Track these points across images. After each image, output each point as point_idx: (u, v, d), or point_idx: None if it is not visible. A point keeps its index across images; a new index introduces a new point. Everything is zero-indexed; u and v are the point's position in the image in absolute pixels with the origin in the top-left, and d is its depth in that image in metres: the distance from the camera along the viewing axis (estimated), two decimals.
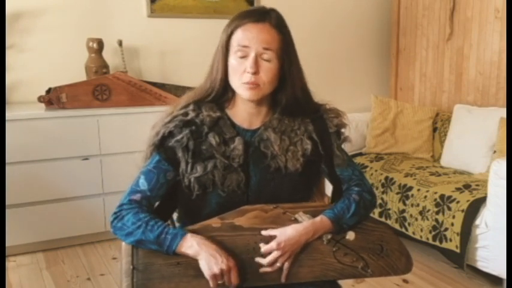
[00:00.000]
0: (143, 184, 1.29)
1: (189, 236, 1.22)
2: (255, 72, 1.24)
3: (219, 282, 1.20)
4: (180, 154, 1.28)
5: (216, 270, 1.19)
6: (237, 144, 1.29)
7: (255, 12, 1.29)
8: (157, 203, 1.37)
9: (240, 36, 1.26)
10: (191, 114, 1.30)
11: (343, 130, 1.40)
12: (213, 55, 1.33)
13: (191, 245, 1.21)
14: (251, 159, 1.31)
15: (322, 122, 1.36)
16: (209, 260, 1.19)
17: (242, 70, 1.26)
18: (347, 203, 1.34)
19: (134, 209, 1.27)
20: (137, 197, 1.29)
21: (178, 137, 1.28)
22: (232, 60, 1.27)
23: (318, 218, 1.30)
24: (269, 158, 1.31)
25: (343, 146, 1.40)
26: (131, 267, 1.22)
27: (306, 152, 1.33)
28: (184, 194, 1.31)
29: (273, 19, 1.28)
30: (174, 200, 1.40)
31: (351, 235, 1.33)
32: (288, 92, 1.31)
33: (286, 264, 1.27)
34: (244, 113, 1.34)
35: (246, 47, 1.25)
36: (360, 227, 1.35)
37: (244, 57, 1.26)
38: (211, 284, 1.20)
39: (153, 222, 1.24)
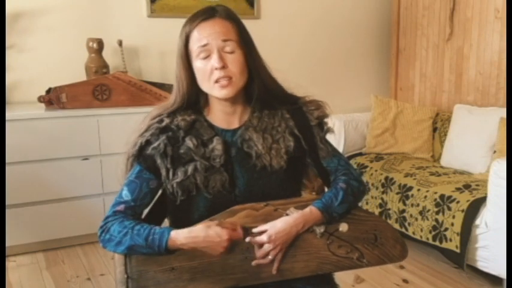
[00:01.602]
0: (126, 195, 1.29)
1: (173, 233, 1.21)
2: (223, 67, 1.23)
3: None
4: (159, 161, 1.27)
5: (222, 249, 1.20)
6: (216, 144, 1.28)
7: (202, 12, 1.29)
8: (146, 213, 1.36)
9: (197, 38, 1.25)
10: (166, 121, 1.29)
11: (325, 120, 1.38)
12: (175, 69, 1.31)
13: (181, 243, 1.20)
14: (235, 160, 1.30)
15: (303, 116, 1.35)
16: (210, 248, 1.20)
17: (209, 70, 1.24)
18: (334, 191, 1.33)
19: (119, 219, 1.26)
20: (121, 207, 1.28)
21: (155, 144, 1.27)
22: (198, 64, 1.26)
23: (307, 209, 1.29)
24: (254, 158, 1.30)
25: (327, 136, 1.39)
26: (125, 276, 1.22)
27: (289, 149, 1.32)
28: (171, 200, 1.30)
29: (222, 12, 1.28)
30: (162, 208, 1.39)
31: (343, 227, 1.32)
32: (256, 81, 1.30)
33: (279, 256, 1.26)
34: (220, 113, 1.33)
35: (206, 45, 1.24)
36: (352, 218, 1.34)
37: (207, 57, 1.24)
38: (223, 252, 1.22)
39: (138, 227, 1.23)
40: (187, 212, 1.30)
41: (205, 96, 1.32)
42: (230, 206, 1.27)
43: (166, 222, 1.43)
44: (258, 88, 1.31)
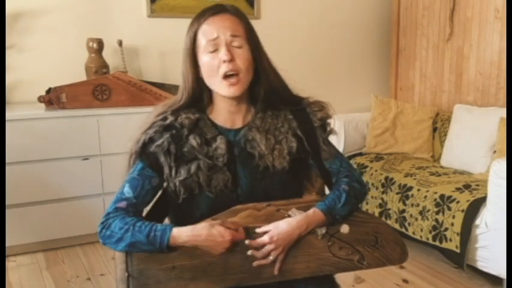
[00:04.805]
0: (128, 192, 1.28)
1: (175, 230, 1.21)
2: (231, 60, 1.24)
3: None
4: (162, 159, 1.27)
5: (223, 249, 1.21)
6: (219, 143, 1.29)
7: (211, 7, 1.30)
8: (146, 212, 1.35)
9: (207, 31, 1.26)
10: (170, 119, 1.29)
11: (328, 121, 1.38)
12: (181, 67, 1.31)
13: (183, 241, 1.20)
14: (238, 160, 1.30)
15: (306, 117, 1.35)
16: (211, 247, 1.20)
17: (217, 64, 1.25)
18: (337, 193, 1.33)
19: (120, 215, 1.25)
20: (123, 204, 1.27)
21: (159, 142, 1.27)
22: (205, 59, 1.26)
23: (311, 211, 1.29)
24: (257, 158, 1.30)
25: (329, 138, 1.39)
26: (126, 274, 1.21)
27: (291, 150, 1.32)
28: (173, 199, 1.30)
29: (231, 8, 1.29)
30: (163, 206, 1.39)
31: (345, 228, 1.32)
32: (263, 81, 1.31)
33: (280, 257, 1.26)
34: (225, 112, 1.33)
35: (215, 39, 1.25)
36: (354, 220, 1.34)
37: (215, 50, 1.25)
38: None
39: (140, 223, 1.22)
40: (188, 211, 1.30)
41: (209, 95, 1.33)
42: (232, 206, 1.28)
43: (166, 222, 1.43)
44: (264, 87, 1.31)
